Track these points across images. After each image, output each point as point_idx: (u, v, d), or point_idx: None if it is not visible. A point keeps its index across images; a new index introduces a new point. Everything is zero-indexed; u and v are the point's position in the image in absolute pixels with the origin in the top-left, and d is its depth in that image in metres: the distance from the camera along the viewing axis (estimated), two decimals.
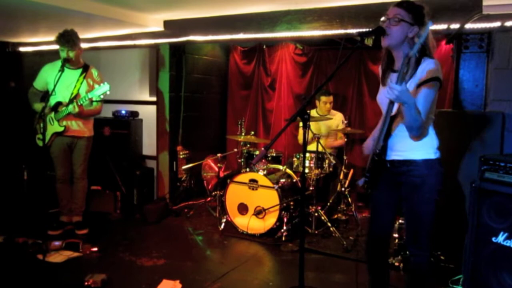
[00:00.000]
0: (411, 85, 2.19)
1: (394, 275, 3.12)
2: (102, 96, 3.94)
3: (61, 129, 4.06)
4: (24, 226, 4.26)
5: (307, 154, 4.48)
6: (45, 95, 4.14)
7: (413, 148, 2.28)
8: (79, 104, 3.93)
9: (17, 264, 3.55)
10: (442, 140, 2.35)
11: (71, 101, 4.00)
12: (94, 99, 3.97)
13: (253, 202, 4.30)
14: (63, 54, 3.98)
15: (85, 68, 4.15)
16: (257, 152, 4.79)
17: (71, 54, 3.99)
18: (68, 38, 3.95)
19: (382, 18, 2.26)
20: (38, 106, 4.14)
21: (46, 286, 3.21)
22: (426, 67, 2.17)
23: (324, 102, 5.03)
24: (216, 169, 5.04)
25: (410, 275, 2.52)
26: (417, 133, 2.23)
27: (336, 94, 5.46)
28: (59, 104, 4.05)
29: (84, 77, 4.10)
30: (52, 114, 4.06)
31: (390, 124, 2.27)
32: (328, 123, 5.03)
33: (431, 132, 2.30)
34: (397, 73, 2.21)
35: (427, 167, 2.27)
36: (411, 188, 2.30)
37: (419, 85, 2.17)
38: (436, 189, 2.28)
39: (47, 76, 4.10)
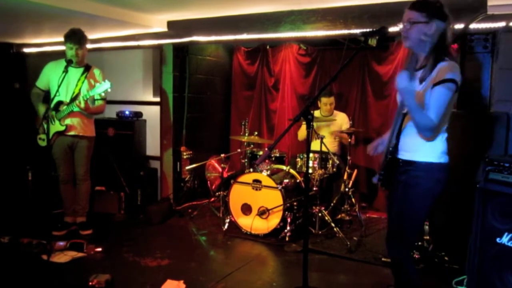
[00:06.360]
0: (426, 85, 2.21)
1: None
2: (103, 94, 3.96)
3: (62, 128, 4.07)
4: (29, 227, 4.29)
5: (311, 155, 4.48)
6: (47, 96, 4.16)
7: (416, 149, 2.29)
8: (84, 99, 3.92)
9: (22, 264, 3.56)
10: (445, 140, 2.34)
11: (72, 100, 4.02)
12: (95, 97, 3.99)
13: (256, 203, 4.30)
14: (71, 52, 4.00)
15: (87, 68, 4.17)
16: (261, 153, 4.79)
17: (80, 53, 4.02)
18: (79, 36, 4.00)
19: (401, 26, 2.32)
20: (41, 108, 4.15)
21: (51, 286, 3.22)
22: (441, 68, 2.20)
23: (324, 103, 5.00)
24: (220, 169, 5.04)
25: (394, 272, 2.52)
26: (429, 134, 2.23)
27: (339, 94, 5.44)
28: (60, 103, 4.07)
29: (86, 77, 4.12)
30: (53, 113, 4.07)
31: (402, 122, 2.31)
32: (331, 125, 5.00)
33: (439, 135, 2.29)
34: (419, 71, 2.28)
35: (425, 169, 2.27)
36: (406, 186, 2.31)
37: (433, 86, 2.18)
38: (431, 194, 2.28)
39: (50, 74, 4.12)
